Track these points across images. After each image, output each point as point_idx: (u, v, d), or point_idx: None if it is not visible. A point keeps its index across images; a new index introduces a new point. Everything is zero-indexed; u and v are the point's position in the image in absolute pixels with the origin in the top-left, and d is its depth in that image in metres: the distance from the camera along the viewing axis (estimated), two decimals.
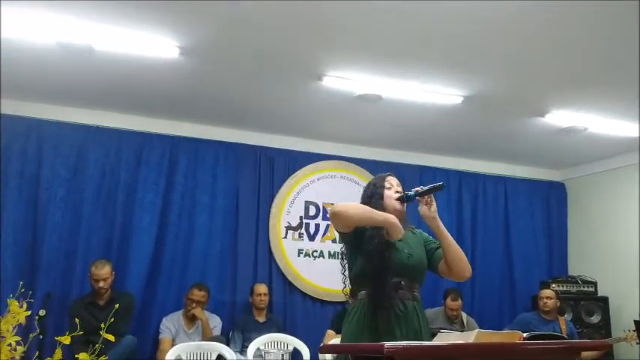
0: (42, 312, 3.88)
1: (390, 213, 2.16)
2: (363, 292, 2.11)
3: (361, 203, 2.22)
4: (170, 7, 2.94)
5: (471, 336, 1.64)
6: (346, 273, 2.23)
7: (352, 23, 3.06)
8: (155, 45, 3.35)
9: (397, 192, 2.21)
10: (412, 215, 2.30)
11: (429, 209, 2.13)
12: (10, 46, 3.32)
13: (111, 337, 1.31)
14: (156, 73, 3.76)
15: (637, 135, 4.69)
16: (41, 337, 3.83)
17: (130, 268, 4.39)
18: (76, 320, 1.53)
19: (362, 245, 2.12)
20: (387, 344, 1.39)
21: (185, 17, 3.06)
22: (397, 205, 2.18)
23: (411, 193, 2.16)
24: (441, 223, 2.15)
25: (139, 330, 4.19)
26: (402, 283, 2.07)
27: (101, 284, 3.88)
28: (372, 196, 2.22)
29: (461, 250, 2.16)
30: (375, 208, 2.15)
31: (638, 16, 2.85)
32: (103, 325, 1.34)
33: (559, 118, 4.41)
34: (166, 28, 3.17)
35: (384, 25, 3.05)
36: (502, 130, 4.83)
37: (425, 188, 2.14)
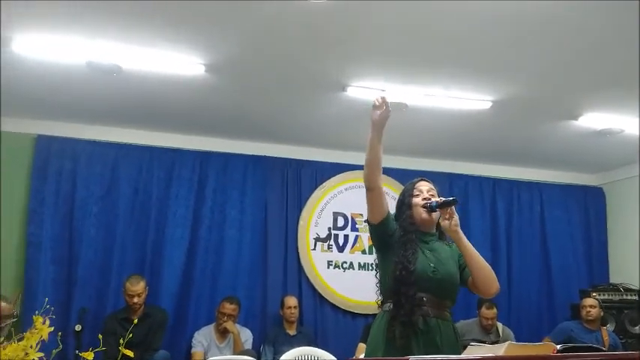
0: (78, 327, 3.97)
1: (418, 222, 2.13)
2: (388, 303, 2.07)
3: (396, 211, 2.22)
4: (193, 26, 3.00)
5: (501, 349, 1.58)
6: (379, 285, 2.20)
7: (374, 33, 3.04)
8: (180, 63, 3.42)
9: (424, 199, 2.15)
10: None
11: (450, 222, 2.08)
12: (42, 67, 3.44)
13: (130, 353, 1.31)
14: (182, 90, 3.83)
15: None
16: (77, 351, 3.92)
17: (163, 283, 4.45)
18: (100, 337, 1.54)
19: (388, 255, 2.09)
20: (412, 358, 1.36)
21: (208, 35, 3.11)
22: (423, 213, 2.13)
23: (433, 203, 2.13)
24: (463, 237, 2.09)
25: (171, 344, 4.24)
26: (425, 299, 2.00)
27: (135, 300, 3.94)
28: (401, 206, 2.20)
29: (487, 265, 2.09)
30: (404, 218, 2.14)
31: None
32: (122, 341, 1.34)
33: (593, 120, 4.26)
34: (190, 46, 3.23)
35: (407, 32, 3.03)
36: (534, 134, 4.70)
37: (441, 201, 2.10)
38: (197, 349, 4.18)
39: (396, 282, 1.99)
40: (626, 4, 2.66)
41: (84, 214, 4.40)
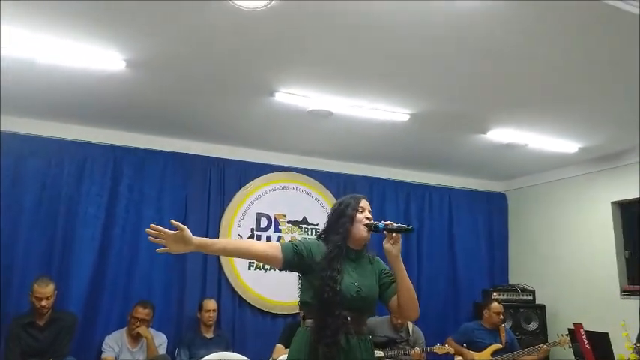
0: None
1: (357, 238, 2.18)
2: (310, 320, 2.10)
3: (330, 221, 2.24)
4: (115, 21, 2.85)
5: None
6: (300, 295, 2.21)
7: (303, 43, 3.07)
8: (100, 57, 3.25)
9: (367, 218, 2.21)
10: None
11: (394, 247, 2.13)
12: None
13: None
14: (101, 84, 3.64)
15: (572, 151, 4.96)
16: None
17: (71, 285, 4.22)
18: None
19: (311, 276, 2.12)
20: None
21: (131, 31, 2.97)
22: (364, 232, 2.18)
23: (381, 225, 2.15)
24: (402, 263, 2.14)
25: (80, 350, 4.04)
26: (349, 318, 2.05)
27: (43, 303, 3.71)
28: (341, 217, 2.21)
29: (414, 292, 2.16)
30: (342, 229, 2.16)
31: (571, 41, 3.02)
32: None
33: (500, 135, 4.60)
34: (111, 41, 3.08)
35: (335, 45, 3.08)
36: (447, 145, 4.98)
37: (395, 226, 2.14)
38: (108, 355, 4.02)
39: (321, 302, 2.03)
40: (535, 31, 2.89)
41: None
